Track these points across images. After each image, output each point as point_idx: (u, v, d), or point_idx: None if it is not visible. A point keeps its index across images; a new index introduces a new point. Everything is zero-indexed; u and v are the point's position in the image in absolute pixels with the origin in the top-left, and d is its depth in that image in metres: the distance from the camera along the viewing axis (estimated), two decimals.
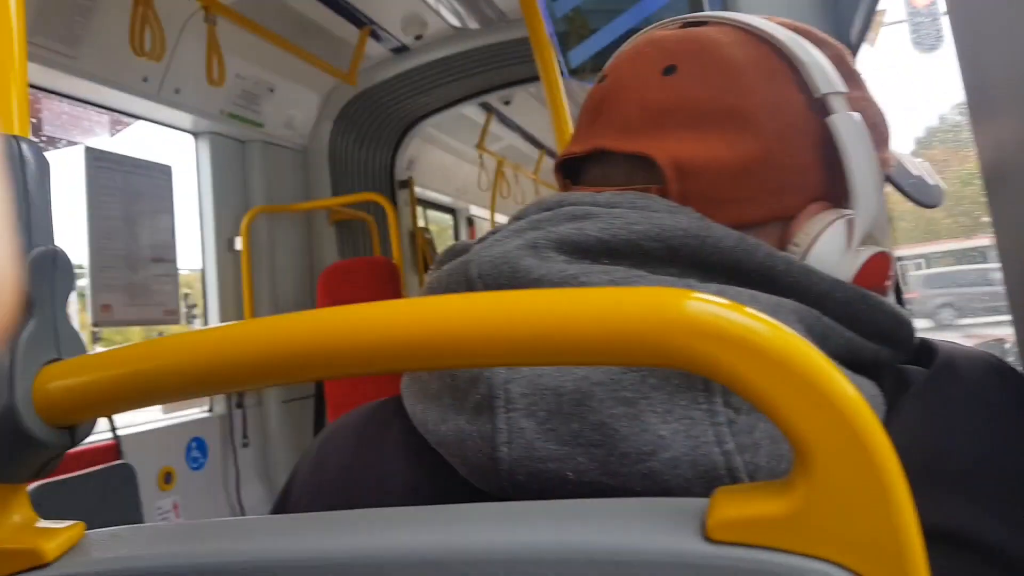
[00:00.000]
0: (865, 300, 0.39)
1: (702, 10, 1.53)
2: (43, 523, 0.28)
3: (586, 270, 0.35)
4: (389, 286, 2.51)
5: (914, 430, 0.35)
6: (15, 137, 0.28)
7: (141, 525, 0.28)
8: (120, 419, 2.07)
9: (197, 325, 3.01)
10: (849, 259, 0.41)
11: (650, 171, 0.42)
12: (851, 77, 0.45)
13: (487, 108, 3.80)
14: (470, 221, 5.24)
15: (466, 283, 0.37)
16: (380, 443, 0.41)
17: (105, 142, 2.38)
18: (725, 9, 1.23)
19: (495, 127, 4.05)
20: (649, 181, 0.42)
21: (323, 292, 2.52)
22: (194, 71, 2.18)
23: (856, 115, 0.41)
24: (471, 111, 3.68)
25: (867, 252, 0.42)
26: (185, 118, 2.40)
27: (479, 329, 0.24)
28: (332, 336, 0.24)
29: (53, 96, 2.05)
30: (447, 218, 5.06)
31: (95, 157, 2.12)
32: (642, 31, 0.51)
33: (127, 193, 2.23)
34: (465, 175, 4.55)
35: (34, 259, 0.27)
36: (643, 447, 0.31)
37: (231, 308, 2.59)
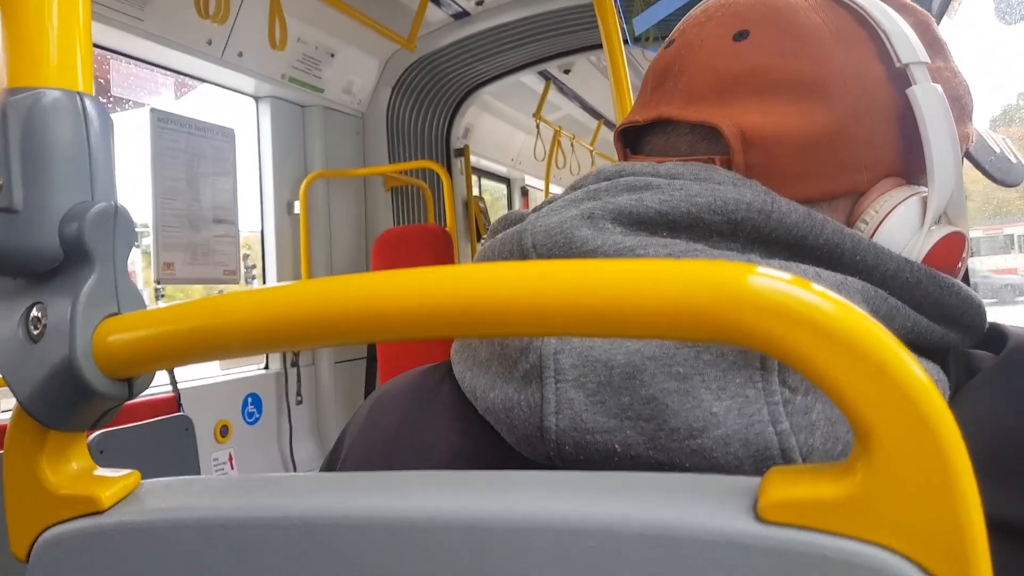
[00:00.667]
0: (935, 282, 0.37)
1: None
2: (101, 471, 0.29)
3: (643, 243, 0.34)
4: (442, 254, 2.53)
5: (979, 416, 0.33)
6: (79, 94, 0.29)
7: (194, 477, 0.29)
8: (180, 373, 2.15)
9: (256, 285, 3.08)
10: (921, 238, 0.39)
11: (715, 141, 0.41)
12: (934, 46, 0.42)
13: (546, 76, 3.75)
14: (524, 191, 5.22)
15: (520, 252, 0.37)
16: (429, 408, 0.42)
17: (170, 104, 2.44)
18: None
19: (553, 96, 4.00)
20: (713, 152, 0.41)
21: (377, 258, 2.56)
22: (257, 35, 2.21)
23: (938, 87, 0.39)
24: (529, 79, 3.64)
25: (940, 232, 0.40)
26: (247, 82, 2.43)
27: (533, 297, 0.23)
28: (386, 300, 0.24)
29: (120, 57, 2.10)
30: (501, 187, 5.06)
31: (159, 118, 2.17)
32: None
33: (190, 154, 2.29)
34: (521, 144, 4.52)
35: (95, 214, 0.28)
36: (694, 423, 0.31)
37: (288, 271, 2.64)
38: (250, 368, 2.62)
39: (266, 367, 2.61)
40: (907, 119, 0.39)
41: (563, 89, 4.06)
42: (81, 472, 0.29)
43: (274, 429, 2.50)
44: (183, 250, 2.28)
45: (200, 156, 2.32)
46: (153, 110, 2.15)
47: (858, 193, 0.41)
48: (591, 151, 5.28)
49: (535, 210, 0.40)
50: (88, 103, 0.29)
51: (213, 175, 2.37)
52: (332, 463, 0.46)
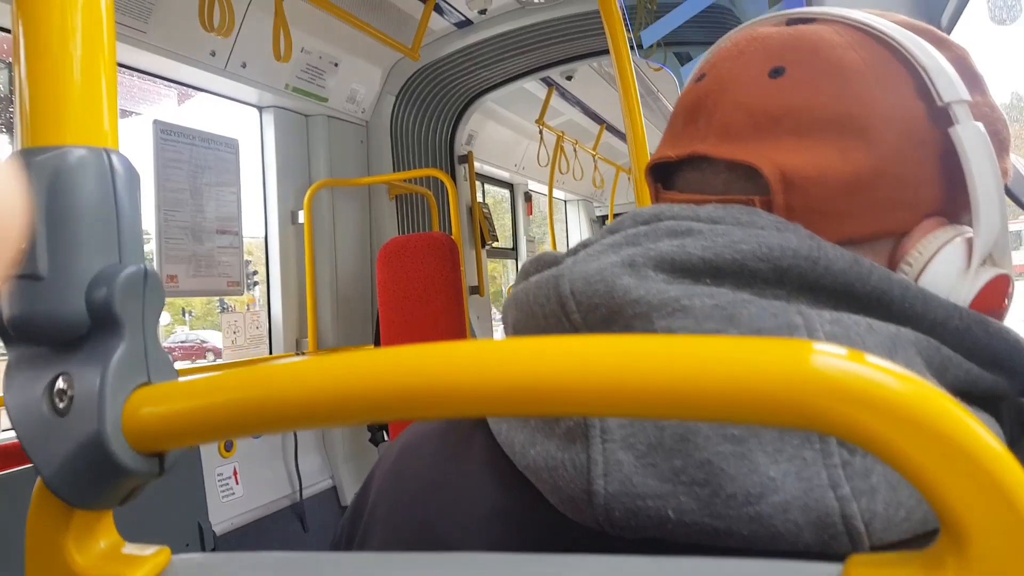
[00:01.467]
0: (985, 327, 0.35)
1: None
2: (129, 548, 0.28)
3: (688, 292, 0.33)
4: (448, 263, 2.52)
5: None
6: (106, 150, 0.27)
7: (227, 554, 0.28)
8: None
9: (257, 292, 3.07)
10: (967, 281, 0.38)
11: (752, 180, 0.40)
12: (972, 81, 0.41)
13: (548, 83, 3.75)
14: (528, 196, 5.21)
15: (558, 299, 0.35)
16: (462, 460, 0.40)
17: (172, 110, 2.42)
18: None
19: (555, 102, 3.99)
20: (750, 191, 0.40)
21: (383, 267, 2.54)
22: (260, 45, 2.20)
23: (980, 126, 0.38)
24: (532, 85, 3.63)
25: (987, 274, 0.38)
26: (251, 92, 2.42)
27: (589, 377, 0.22)
28: (438, 375, 0.22)
29: (123, 70, 2.09)
30: (503, 192, 5.05)
31: (162, 130, 2.16)
32: (742, 25, 0.47)
33: (193, 165, 2.28)
34: (524, 150, 4.52)
35: (125, 278, 0.26)
36: (751, 488, 0.29)
37: (292, 280, 2.63)
38: None
39: None
40: (949, 157, 0.38)
41: (565, 95, 4.06)
42: (109, 551, 0.27)
43: (279, 443, 2.49)
44: (186, 262, 2.27)
45: (203, 167, 2.31)
46: (156, 122, 2.14)
47: (900, 233, 0.39)
48: (594, 156, 5.27)
49: (571, 253, 0.39)
50: (115, 160, 0.27)
51: (216, 186, 2.36)
52: (357, 515, 0.45)
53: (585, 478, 0.32)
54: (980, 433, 0.20)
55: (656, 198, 0.46)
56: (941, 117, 0.39)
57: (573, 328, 0.35)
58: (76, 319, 0.26)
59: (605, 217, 6.43)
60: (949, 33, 1.05)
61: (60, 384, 0.26)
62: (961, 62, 0.41)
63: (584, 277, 0.35)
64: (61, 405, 0.26)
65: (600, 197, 6.51)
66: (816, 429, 0.21)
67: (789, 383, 0.21)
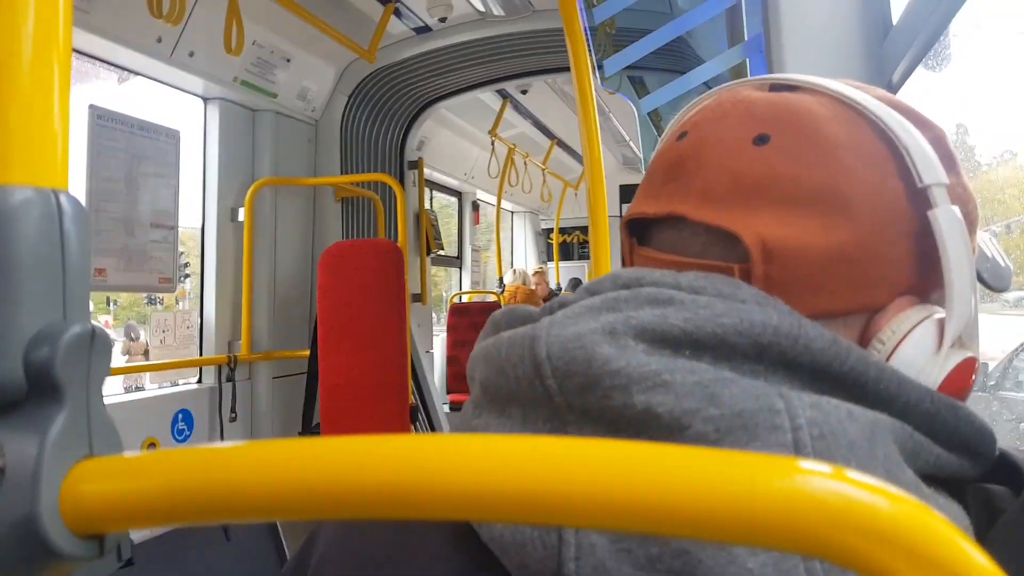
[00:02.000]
0: (954, 412, 0.36)
1: (741, 30, 1.48)
2: None
3: (669, 366, 0.32)
4: (392, 270, 2.47)
5: (1012, 569, 0.32)
6: (54, 191, 0.25)
7: None
8: (106, 383, 2.04)
9: (188, 285, 2.96)
10: (938, 363, 0.38)
11: (730, 246, 0.39)
12: (949, 162, 0.41)
13: (503, 95, 3.75)
14: (475, 205, 5.20)
15: (532, 362, 0.34)
16: (420, 529, 0.38)
17: (112, 90, 2.31)
18: (767, 33, 1.19)
19: (509, 114, 4.00)
20: (729, 258, 0.39)
21: (325, 270, 2.48)
22: (210, 35, 2.12)
23: (957, 210, 0.38)
24: (487, 96, 3.63)
25: (956, 357, 0.39)
26: (196, 82, 2.34)
27: (562, 486, 0.20)
28: (418, 471, 0.21)
29: None
30: (451, 199, 5.03)
31: (99, 115, 2.06)
32: (723, 85, 0.47)
33: (131, 155, 2.18)
34: (475, 159, 4.51)
35: (70, 339, 0.23)
36: None
37: (229, 280, 2.54)
38: (181, 382, 2.51)
39: (199, 381, 2.50)
40: (924, 238, 0.39)
41: (519, 108, 4.07)
42: None
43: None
44: (117, 255, 2.17)
45: (141, 157, 2.21)
46: (92, 107, 2.04)
47: (874, 309, 0.39)
48: (543, 170, 5.30)
49: (547, 311, 0.37)
50: (64, 202, 0.25)
51: (154, 177, 2.26)
52: (300, 568, 0.42)
53: (555, 560, 0.31)
54: (977, 559, 0.20)
55: (630, 253, 0.45)
56: (919, 198, 0.39)
57: (547, 393, 0.33)
58: (11, 383, 0.23)
59: (550, 230, 6.47)
60: (899, 90, 1.09)
61: None
62: (938, 143, 0.42)
63: (562, 342, 0.33)
64: None
65: (547, 211, 6.55)
66: (811, 554, 0.20)
67: (775, 507, 0.20)
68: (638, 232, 0.45)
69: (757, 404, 0.31)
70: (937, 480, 0.36)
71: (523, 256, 6.53)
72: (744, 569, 0.29)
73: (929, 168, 0.38)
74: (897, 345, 0.38)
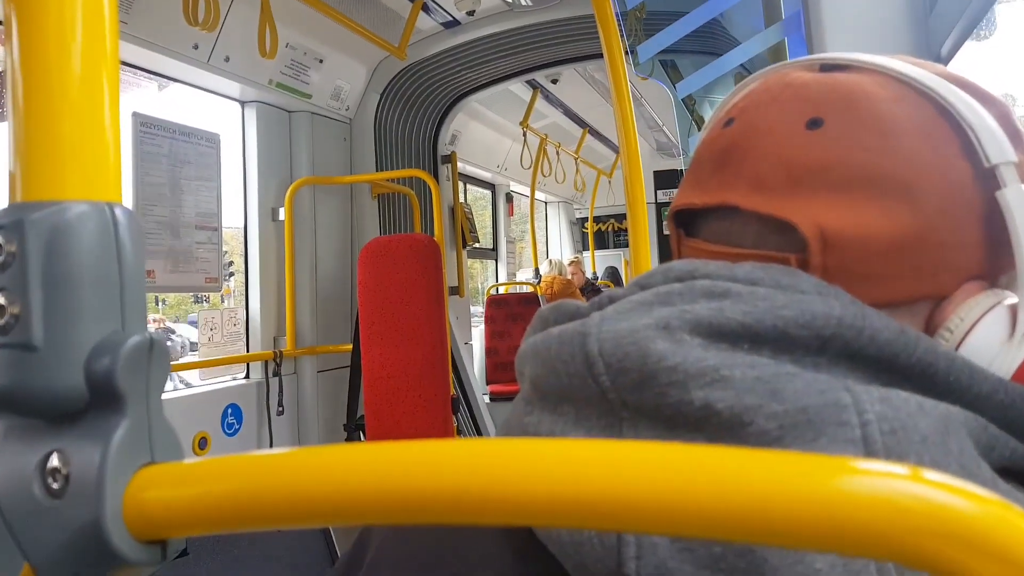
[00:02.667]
0: None
1: (778, 8, 1.44)
2: None
3: (727, 361, 0.31)
4: (430, 265, 2.49)
5: None
6: (109, 204, 0.25)
7: None
8: None
9: (233, 283, 3.01)
10: (1011, 352, 0.36)
11: (784, 236, 0.38)
12: (1016, 138, 0.39)
13: (533, 85, 3.73)
14: (509, 197, 5.20)
15: (584, 359, 0.33)
16: (476, 526, 0.38)
17: (151, 102, 2.36)
18: (805, 10, 1.16)
19: (540, 104, 3.98)
20: (784, 248, 0.38)
21: (364, 266, 2.51)
22: (245, 39, 2.15)
23: None
24: (517, 88, 3.62)
25: None
26: (233, 86, 2.38)
27: (623, 491, 0.20)
28: (476, 477, 0.21)
29: None
30: (485, 192, 5.03)
31: (142, 123, 2.11)
32: (770, 68, 0.45)
33: (173, 159, 2.23)
34: (507, 151, 4.50)
35: (129, 349, 0.24)
36: None
37: (272, 278, 2.59)
38: (229, 377, 2.56)
39: (247, 376, 2.55)
40: (992, 219, 0.37)
41: (549, 98, 4.05)
42: None
43: (254, 440, 2.45)
44: (164, 257, 2.22)
45: (183, 161, 2.26)
46: (135, 114, 2.09)
47: (940, 297, 0.38)
48: (576, 159, 5.27)
49: (597, 306, 0.37)
50: (119, 214, 0.25)
51: (196, 180, 2.31)
52: (353, 565, 0.42)
53: (615, 559, 0.30)
54: None
55: (679, 244, 0.44)
56: (986, 178, 0.37)
57: (600, 390, 0.33)
58: (74, 393, 0.24)
59: (585, 219, 6.43)
60: (948, 63, 1.05)
61: (54, 462, 0.24)
62: (1004, 119, 0.40)
63: (614, 338, 0.33)
64: (55, 486, 0.23)
65: (581, 200, 6.51)
66: (890, 560, 0.19)
67: (853, 512, 0.19)
68: (685, 223, 0.44)
69: (823, 399, 0.30)
70: (1014, 474, 0.34)
71: (558, 246, 6.51)
72: (812, 569, 0.28)
73: (996, 146, 0.37)
74: (966, 334, 0.37)
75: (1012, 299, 0.37)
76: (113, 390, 0.24)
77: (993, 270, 0.38)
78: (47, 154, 0.25)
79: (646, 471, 0.20)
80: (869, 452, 0.29)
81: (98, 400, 0.24)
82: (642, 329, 0.32)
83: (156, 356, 0.25)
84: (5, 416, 0.25)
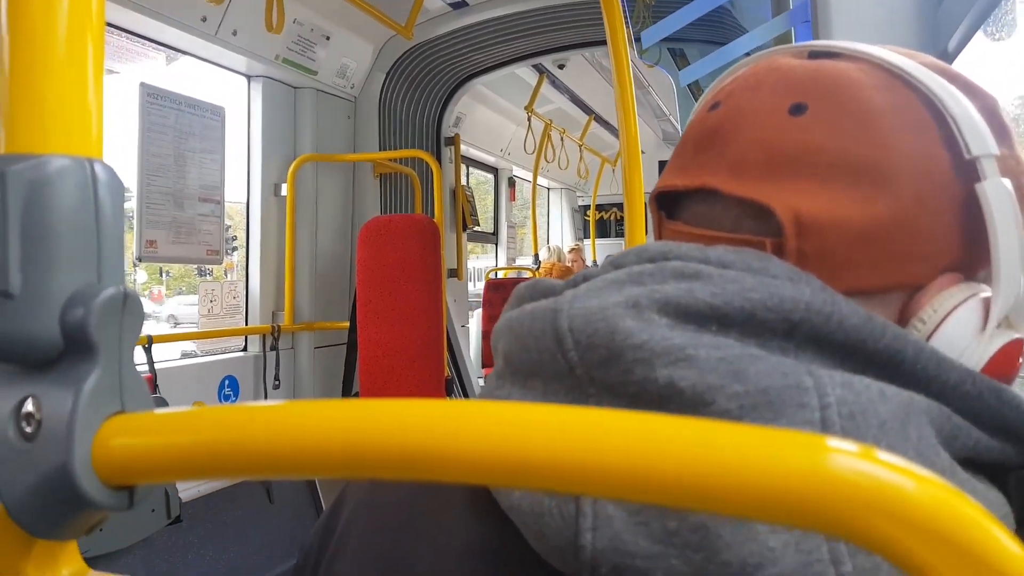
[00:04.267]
0: (998, 395, 0.34)
1: None
2: (95, 575, 0.26)
3: (693, 341, 0.31)
4: (429, 245, 2.50)
5: None
6: (89, 160, 0.26)
7: None
8: (156, 351, 2.11)
9: (236, 258, 3.03)
10: (982, 344, 0.37)
11: (763, 220, 0.38)
12: (1001, 132, 0.39)
13: (540, 70, 3.72)
14: (511, 182, 5.19)
15: (554, 335, 0.34)
16: (443, 494, 0.39)
17: (159, 71, 2.36)
18: (813, 1, 1.16)
19: (546, 89, 3.97)
20: (761, 232, 0.38)
21: (363, 245, 2.52)
22: (252, 13, 2.15)
23: (1007, 183, 0.37)
24: (523, 72, 3.61)
25: (1002, 338, 0.37)
26: (240, 60, 2.37)
27: (581, 455, 0.21)
28: (430, 435, 0.21)
29: (111, 29, 2.04)
30: (487, 176, 5.02)
31: (149, 93, 2.11)
32: (760, 53, 0.46)
33: (179, 131, 2.23)
34: (511, 135, 4.49)
35: (103, 300, 0.25)
36: (748, 558, 0.28)
37: (272, 253, 2.60)
38: (228, 350, 2.58)
39: (244, 349, 2.57)
40: (971, 211, 0.37)
41: (556, 83, 4.03)
42: None
43: None
44: (166, 228, 2.23)
45: (188, 133, 2.26)
46: (143, 84, 2.09)
47: (914, 287, 0.38)
48: (580, 145, 5.25)
49: (571, 285, 0.37)
50: (99, 171, 0.26)
51: (201, 153, 2.31)
52: (324, 540, 0.43)
53: (572, 530, 0.31)
54: (1006, 544, 0.20)
55: (660, 227, 0.45)
56: (967, 170, 0.37)
57: (569, 366, 0.34)
58: (48, 341, 0.24)
59: (587, 207, 6.42)
60: (955, 59, 1.04)
61: (28, 407, 0.24)
62: (990, 112, 0.40)
63: (584, 314, 0.33)
64: (28, 429, 0.24)
65: (584, 187, 6.50)
66: (833, 534, 0.20)
67: (799, 485, 0.20)
68: (668, 206, 0.45)
69: (784, 381, 0.30)
70: (977, 465, 0.35)
71: (559, 233, 6.51)
72: (765, 547, 0.28)
73: (978, 138, 0.37)
74: (939, 324, 0.37)
75: (987, 292, 0.38)
76: (86, 339, 0.25)
77: (971, 263, 0.38)
78: (30, 109, 0.25)
79: (605, 434, 0.21)
80: (827, 434, 0.29)
81: (72, 349, 0.25)
82: (612, 307, 0.33)
83: (129, 309, 0.26)
84: None
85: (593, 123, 5.12)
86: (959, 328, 0.37)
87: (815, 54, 0.43)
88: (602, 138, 5.77)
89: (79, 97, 0.26)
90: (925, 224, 0.37)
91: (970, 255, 0.38)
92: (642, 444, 0.21)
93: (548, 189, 6.45)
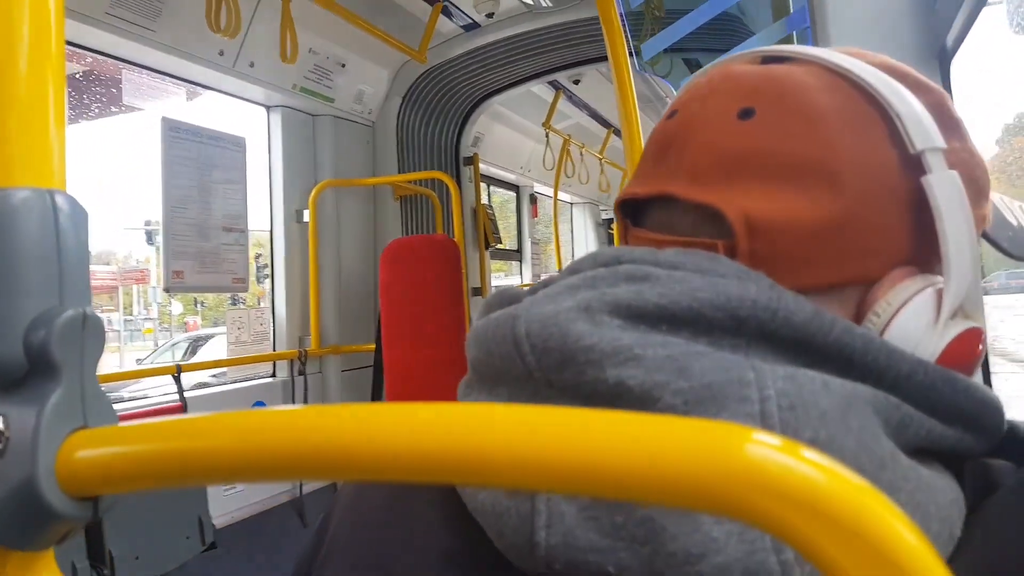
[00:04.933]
0: (951, 384, 0.35)
1: (787, 4, 1.43)
2: None
3: (641, 341, 0.32)
4: (450, 265, 2.52)
5: (1004, 540, 0.31)
6: (50, 191, 0.27)
7: None
8: (186, 379, 2.15)
9: (267, 285, 3.09)
10: (936, 335, 0.37)
11: (719, 224, 0.39)
12: (950, 126, 0.40)
13: (555, 86, 3.74)
14: (533, 198, 5.21)
15: (513, 341, 0.35)
16: (417, 497, 0.40)
17: (181, 106, 2.43)
18: (811, 5, 1.16)
19: (563, 105, 3.99)
20: (717, 235, 0.39)
21: (385, 267, 2.55)
22: (268, 45, 2.21)
23: (954, 174, 0.37)
24: (539, 89, 3.63)
25: (956, 327, 0.37)
26: (258, 91, 2.43)
27: (500, 449, 0.21)
28: (364, 437, 0.22)
29: (132, 67, 2.11)
30: (509, 193, 5.05)
31: (171, 127, 2.17)
32: (717, 60, 0.47)
33: (201, 163, 2.29)
34: (530, 152, 4.51)
35: (63, 322, 0.26)
36: (692, 548, 0.29)
37: (297, 279, 2.64)
38: (256, 376, 2.62)
39: (273, 375, 2.61)
40: (922, 205, 0.38)
41: (572, 98, 4.05)
42: None
43: None
44: (192, 258, 2.28)
45: (211, 165, 2.32)
46: (164, 119, 2.15)
47: (869, 282, 0.39)
48: (600, 159, 5.26)
49: (531, 292, 0.39)
50: (60, 201, 0.28)
51: (224, 183, 2.37)
52: (318, 543, 0.45)
53: (528, 527, 0.32)
54: (905, 535, 0.20)
55: (625, 235, 0.46)
56: (914, 165, 0.38)
57: (527, 370, 0.35)
58: (13, 361, 0.26)
59: (611, 220, 6.41)
60: (955, 52, 1.04)
61: None
62: (938, 107, 0.40)
63: (540, 320, 0.34)
64: None
65: (606, 200, 6.49)
66: (743, 520, 0.20)
67: (716, 472, 0.20)
68: (632, 214, 0.46)
69: (727, 376, 0.31)
70: (932, 454, 0.35)
71: (584, 247, 6.50)
72: (708, 537, 0.29)
73: (922, 133, 0.37)
74: (892, 317, 0.37)
75: (941, 284, 0.38)
76: (48, 359, 0.26)
77: (925, 256, 0.39)
78: None
79: (523, 430, 0.22)
80: (765, 426, 0.30)
81: (36, 368, 0.26)
82: (564, 311, 0.34)
83: (90, 329, 0.27)
84: None
85: (612, 136, 5.13)
86: (912, 320, 0.37)
87: (768, 59, 0.44)
88: (622, 151, 5.77)
89: (40, 133, 0.28)
90: (875, 220, 0.38)
91: (924, 248, 0.38)
92: (573, 437, 0.21)
93: (571, 204, 6.47)
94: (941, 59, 1.03)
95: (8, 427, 0.26)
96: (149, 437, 0.26)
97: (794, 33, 1.30)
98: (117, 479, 0.26)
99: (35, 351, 0.26)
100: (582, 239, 6.57)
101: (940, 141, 0.37)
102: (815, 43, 1.17)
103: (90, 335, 0.27)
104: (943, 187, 0.37)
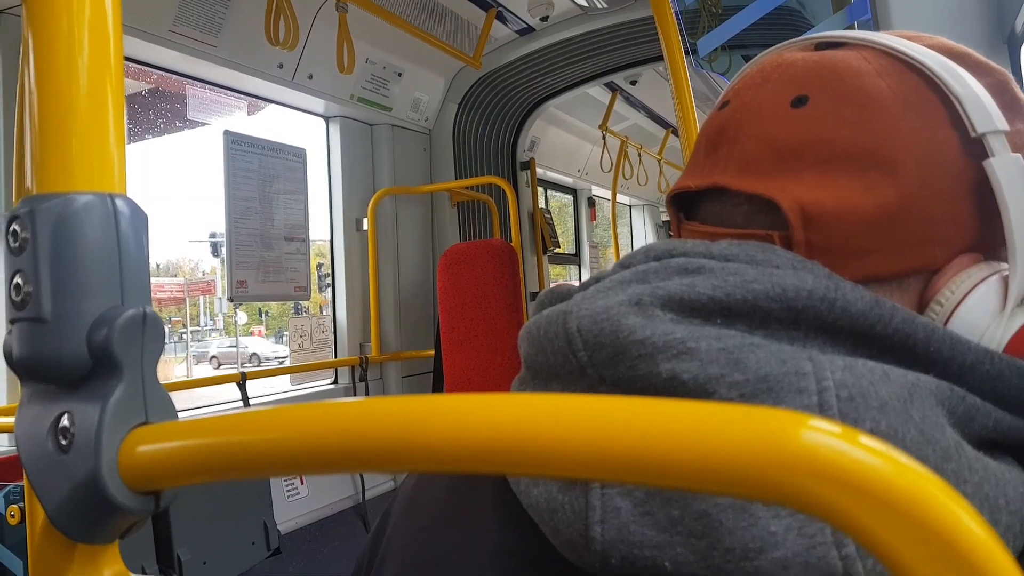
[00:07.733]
0: (1019, 374, 0.33)
1: None
2: None
3: (694, 334, 0.32)
4: (507, 268, 2.53)
5: None
6: (111, 195, 0.28)
7: None
8: (251, 387, 2.21)
9: (329, 295, 3.15)
10: (1002, 323, 0.36)
11: (773, 214, 0.38)
12: (1013, 107, 0.38)
13: (612, 88, 3.72)
14: (591, 201, 5.18)
15: (565, 337, 0.35)
16: (472, 496, 0.40)
17: (243, 121, 2.51)
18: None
19: (619, 106, 3.96)
20: (771, 226, 0.38)
21: (443, 273, 2.58)
22: (326, 57, 2.26)
23: (1018, 157, 0.35)
24: (595, 91, 3.61)
25: (1023, 316, 0.36)
26: (317, 102, 2.49)
27: (557, 438, 0.21)
28: (422, 427, 0.22)
29: (195, 82, 2.18)
30: (567, 197, 5.03)
31: (233, 140, 2.24)
32: (770, 49, 0.45)
33: (263, 174, 2.35)
34: (588, 155, 4.49)
35: (124, 321, 0.27)
36: (750, 543, 0.28)
37: (357, 286, 2.69)
38: (318, 383, 2.67)
39: (335, 382, 2.66)
40: (985, 190, 0.36)
41: (629, 99, 4.02)
42: None
43: None
44: (255, 268, 2.35)
45: (272, 176, 2.39)
46: (226, 132, 2.22)
47: (931, 271, 0.37)
48: (659, 160, 5.20)
49: (582, 287, 0.38)
50: (120, 204, 0.28)
51: (285, 194, 2.43)
52: (376, 542, 0.45)
53: (583, 523, 0.31)
54: (970, 525, 0.19)
55: (678, 228, 0.45)
56: (976, 148, 0.36)
57: (579, 366, 0.34)
58: (77, 360, 0.27)
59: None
60: (1023, 39, 0.99)
61: (64, 422, 0.27)
62: (1001, 88, 0.39)
63: (591, 315, 0.34)
64: (64, 442, 0.27)
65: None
66: (799, 509, 0.20)
67: (767, 459, 0.20)
68: (685, 207, 0.45)
69: (783, 368, 0.30)
70: (1002, 446, 0.34)
71: None
72: (767, 532, 0.28)
73: (983, 116, 0.36)
74: (956, 306, 0.36)
75: (1006, 269, 0.36)
76: (110, 357, 0.27)
77: (990, 242, 0.37)
78: (57, 153, 0.28)
79: (572, 419, 0.22)
80: (824, 416, 0.29)
81: (99, 366, 0.27)
82: (615, 306, 0.33)
83: (150, 328, 0.28)
84: (28, 383, 0.28)
85: (672, 136, 5.06)
86: (977, 308, 0.36)
87: (821, 45, 0.43)
88: (682, 151, 5.70)
89: (100, 140, 0.29)
90: (936, 206, 0.36)
91: (989, 234, 0.37)
92: (628, 425, 0.21)
93: (630, 206, 6.41)
94: (1011, 44, 0.98)
95: (74, 423, 0.27)
96: (207, 432, 0.26)
97: (855, 24, 1.26)
98: (177, 473, 0.26)
99: (98, 349, 0.27)
100: (641, 242, 6.50)
101: (1002, 123, 0.36)
102: (876, 29, 1.13)
103: (150, 333, 0.28)
104: (1006, 171, 0.35)
